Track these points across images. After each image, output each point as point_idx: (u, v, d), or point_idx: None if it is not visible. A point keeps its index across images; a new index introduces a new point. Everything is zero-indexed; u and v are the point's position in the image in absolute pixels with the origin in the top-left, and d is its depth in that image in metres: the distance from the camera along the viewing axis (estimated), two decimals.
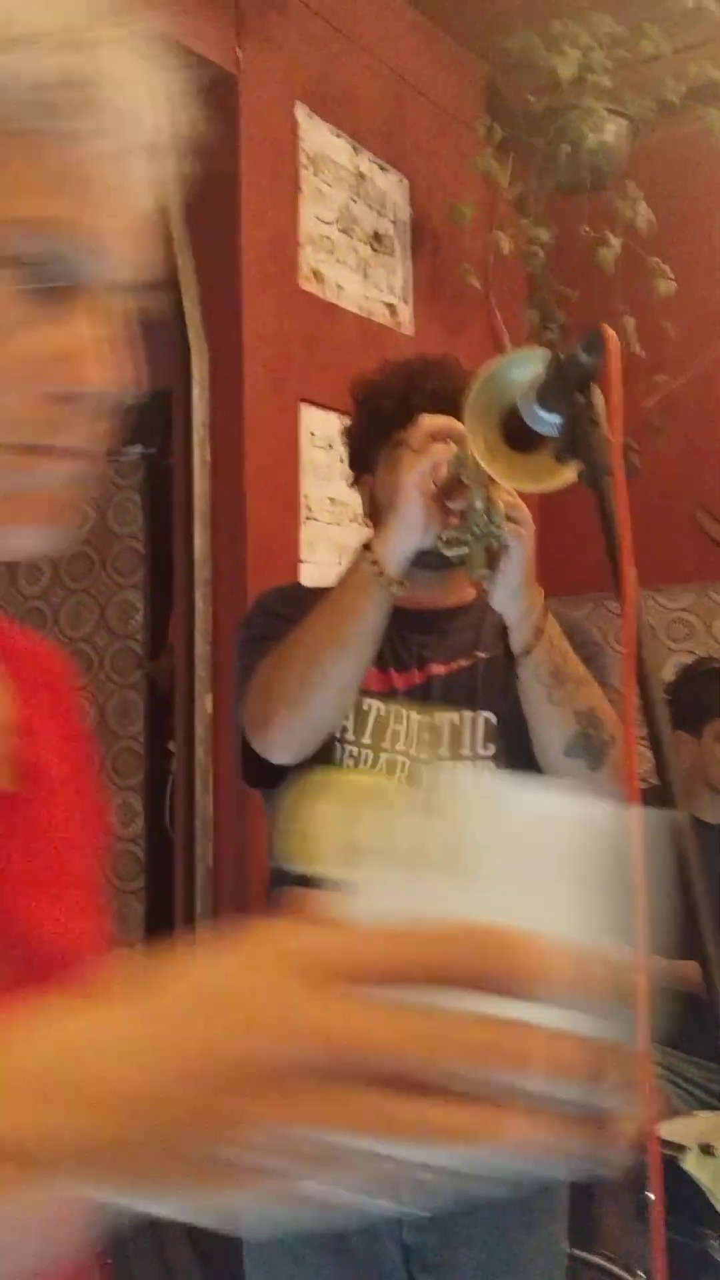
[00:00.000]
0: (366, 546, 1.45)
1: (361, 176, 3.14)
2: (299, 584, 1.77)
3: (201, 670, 2.74)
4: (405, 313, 3.28)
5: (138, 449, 3.14)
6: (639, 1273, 2.13)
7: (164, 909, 2.87)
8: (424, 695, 1.64)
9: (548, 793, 0.44)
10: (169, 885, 2.83)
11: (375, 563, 1.43)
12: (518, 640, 1.45)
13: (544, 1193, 1.62)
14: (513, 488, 1.28)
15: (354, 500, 2.98)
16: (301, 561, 2.85)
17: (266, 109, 2.84)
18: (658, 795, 0.95)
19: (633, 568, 0.91)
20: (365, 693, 1.57)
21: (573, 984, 0.40)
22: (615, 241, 3.00)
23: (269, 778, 1.60)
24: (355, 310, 3.08)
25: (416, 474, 1.40)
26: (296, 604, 1.61)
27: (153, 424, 3.15)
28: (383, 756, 1.61)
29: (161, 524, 2.96)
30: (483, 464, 1.26)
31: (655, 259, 3.13)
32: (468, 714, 1.63)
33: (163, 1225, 2.49)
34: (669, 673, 3.20)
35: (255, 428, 2.75)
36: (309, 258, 2.95)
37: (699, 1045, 2.77)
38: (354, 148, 3.11)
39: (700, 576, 3.49)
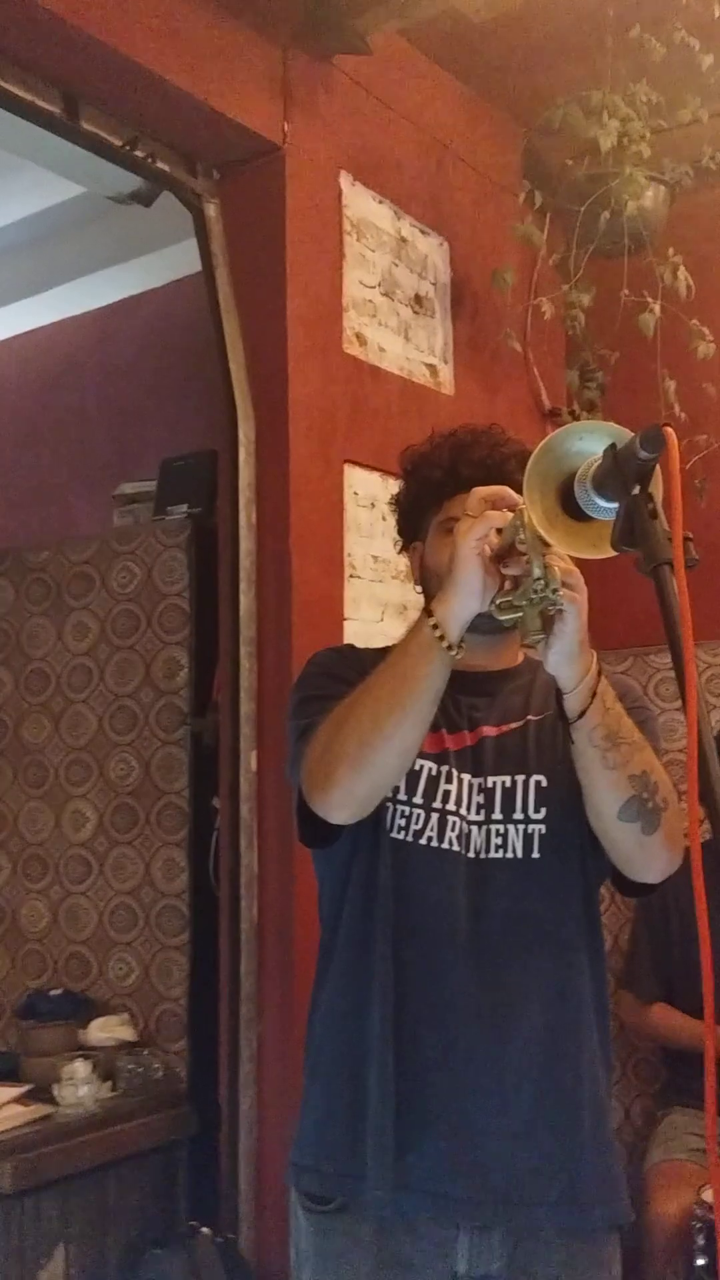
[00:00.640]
0: (428, 611, 1.47)
1: (403, 240, 3.21)
2: (353, 645, 1.79)
3: (246, 728, 2.76)
4: (446, 373, 3.33)
5: (184, 509, 3.19)
6: None
7: (208, 965, 2.87)
8: (475, 757, 1.65)
9: None
10: (213, 941, 2.84)
11: (436, 627, 1.45)
12: (572, 704, 1.46)
13: (593, 1247, 1.61)
14: (574, 554, 1.30)
15: (396, 559, 3.03)
16: (346, 619, 2.88)
17: (312, 178, 2.91)
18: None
19: (694, 665, 0.94)
20: (418, 753, 1.59)
21: None
22: (655, 306, 3.04)
23: (324, 837, 1.62)
24: (397, 371, 3.13)
25: (473, 539, 1.42)
26: (353, 665, 1.63)
27: (199, 484, 3.20)
28: (434, 816, 1.62)
29: (207, 582, 3.00)
30: (542, 531, 1.28)
31: (694, 321, 3.17)
32: (519, 777, 1.64)
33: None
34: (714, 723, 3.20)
35: (300, 488, 2.80)
36: (352, 321, 3.01)
37: None
38: (396, 213, 3.18)
39: None
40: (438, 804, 1.62)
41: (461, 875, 1.60)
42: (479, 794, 1.63)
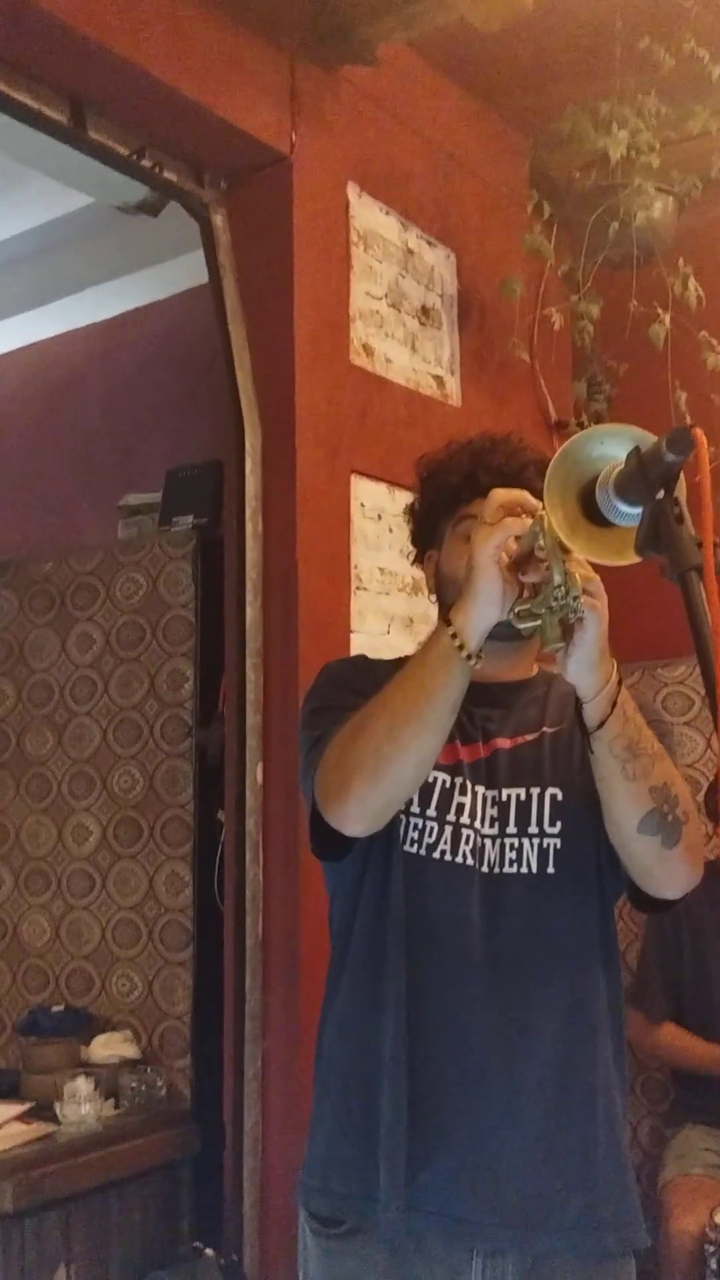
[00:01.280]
0: (447, 620, 1.44)
1: (410, 252, 3.19)
2: (366, 656, 1.76)
3: (252, 740, 2.73)
4: (452, 385, 3.31)
5: (189, 519, 3.17)
6: None
7: (212, 981, 2.83)
8: (489, 769, 1.63)
9: None
10: (217, 957, 2.80)
11: (455, 636, 1.42)
12: (592, 714, 1.43)
13: (610, 1272, 1.58)
14: (596, 561, 1.27)
15: (403, 570, 3.01)
16: (352, 631, 2.86)
17: (319, 188, 2.90)
18: None
19: None
20: None
21: None
22: (665, 317, 3.02)
23: (337, 849, 1.59)
24: (403, 383, 3.12)
25: (491, 546, 1.39)
26: (367, 676, 1.61)
27: (204, 495, 3.17)
28: (447, 829, 1.59)
29: (212, 593, 2.97)
30: (563, 537, 1.26)
31: (703, 333, 3.16)
32: (534, 790, 1.61)
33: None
34: None
35: (307, 499, 2.77)
36: (359, 332, 2.99)
37: None
38: (403, 224, 3.17)
39: None
40: (451, 816, 1.59)
41: (476, 890, 1.58)
42: (492, 806, 1.60)
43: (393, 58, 3.00)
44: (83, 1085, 2.70)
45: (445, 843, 1.58)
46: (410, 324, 3.18)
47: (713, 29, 2.90)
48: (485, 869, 1.58)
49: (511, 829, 1.59)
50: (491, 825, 1.60)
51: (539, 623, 1.38)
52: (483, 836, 1.59)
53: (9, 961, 3.28)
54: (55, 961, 3.19)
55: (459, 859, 1.58)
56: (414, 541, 1.78)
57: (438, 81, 3.26)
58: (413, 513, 1.78)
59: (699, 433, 1.01)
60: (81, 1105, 2.67)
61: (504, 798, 1.61)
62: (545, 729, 1.65)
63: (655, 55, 2.92)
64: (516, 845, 1.59)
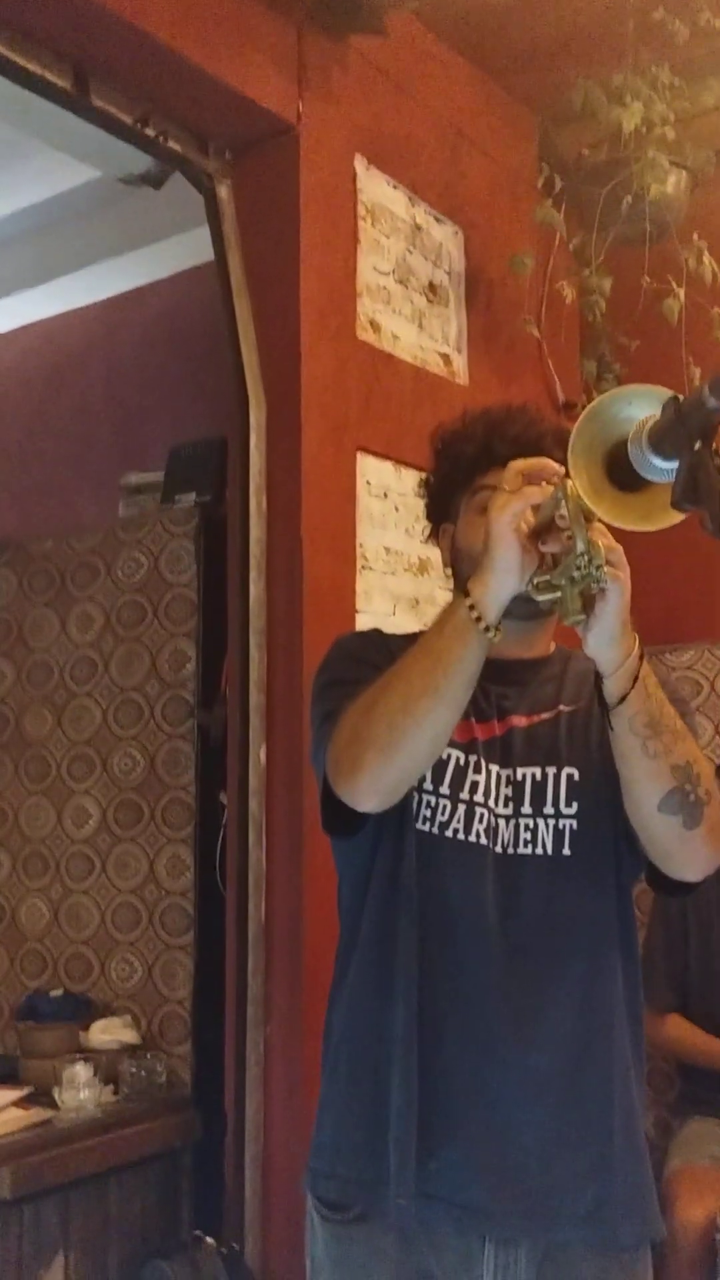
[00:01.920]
0: (465, 592, 1.40)
1: (418, 227, 3.14)
2: (379, 630, 1.71)
3: (255, 720, 2.69)
4: (459, 362, 3.26)
5: (191, 496, 3.12)
6: None
7: (213, 966, 2.79)
8: (504, 747, 1.58)
9: None
10: (218, 941, 2.76)
11: (473, 608, 1.37)
12: (613, 689, 1.38)
13: (625, 1264, 1.54)
14: (622, 527, 1.22)
15: (410, 550, 2.96)
16: (358, 611, 2.81)
17: (326, 160, 2.84)
18: None
19: None
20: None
21: None
22: (680, 291, 2.97)
23: (349, 826, 1.54)
24: (410, 360, 3.07)
25: (510, 515, 1.34)
26: (380, 650, 1.56)
27: (207, 472, 3.13)
28: (460, 808, 1.55)
29: (215, 572, 2.93)
30: (588, 503, 1.21)
31: (717, 309, 3.11)
32: (550, 769, 1.57)
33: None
34: None
35: (312, 476, 2.73)
36: (366, 308, 2.94)
37: None
38: (410, 199, 3.11)
39: None
40: (465, 795, 1.55)
41: (490, 870, 1.53)
42: (507, 785, 1.56)
43: (401, 29, 2.95)
44: (82, 1071, 2.67)
45: (458, 821, 1.54)
46: (418, 300, 3.13)
47: None
48: (499, 849, 1.54)
49: (526, 809, 1.55)
50: (506, 805, 1.55)
51: (559, 594, 1.33)
52: (497, 816, 1.55)
53: (7, 946, 3.24)
54: (54, 946, 3.15)
55: (472, 838, 1.54)
56: (429, 516, 1.73)
57: (446, 54, 3.20)
58: (427, 486, 1.72)
59: None
60: (80, 1091, 2.64)
61: (519, 777, 1.56)
62: (562, 707, 1.61)
63: (670, 27, 2.87)
64: (531, 826, 1.55)
